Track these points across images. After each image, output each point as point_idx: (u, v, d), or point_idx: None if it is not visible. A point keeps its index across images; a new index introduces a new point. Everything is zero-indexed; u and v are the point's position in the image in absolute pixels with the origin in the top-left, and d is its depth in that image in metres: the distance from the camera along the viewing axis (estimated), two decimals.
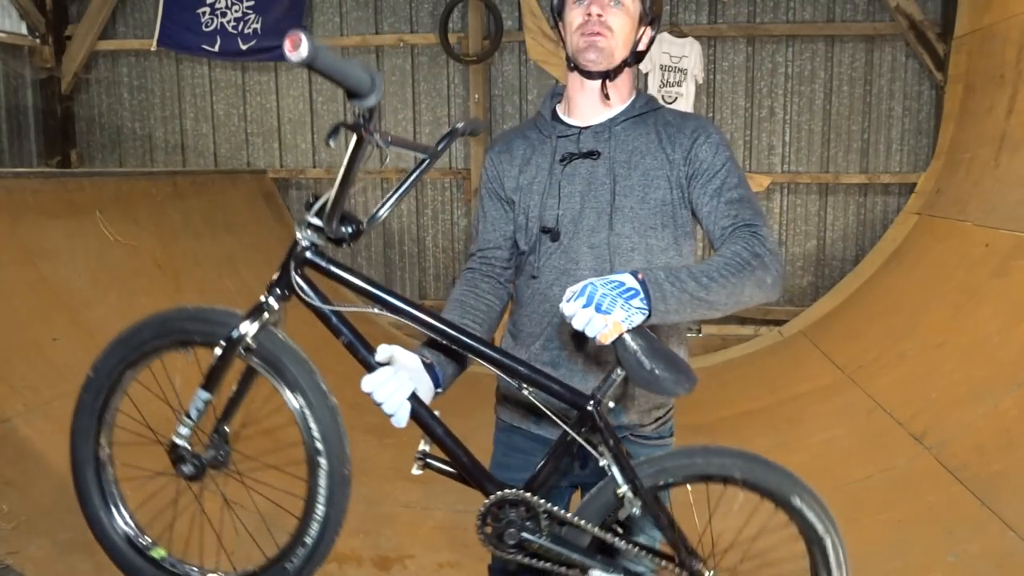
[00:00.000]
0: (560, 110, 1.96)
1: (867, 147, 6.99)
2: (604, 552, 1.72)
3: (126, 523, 1.86)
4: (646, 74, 7.05)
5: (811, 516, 1.71)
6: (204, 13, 7.50)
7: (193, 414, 1.76)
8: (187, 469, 1.76)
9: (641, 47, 1.88)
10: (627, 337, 1.55)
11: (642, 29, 1.87)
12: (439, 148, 1.74)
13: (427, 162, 1.78)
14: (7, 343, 3.97)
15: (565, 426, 1.66)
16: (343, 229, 1.66)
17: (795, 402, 5.30)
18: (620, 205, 1.81)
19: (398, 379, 1.64)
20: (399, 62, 7.58)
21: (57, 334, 4.28)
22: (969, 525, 3.26)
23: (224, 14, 7.49)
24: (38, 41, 7.61)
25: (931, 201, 6.37)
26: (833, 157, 7.05)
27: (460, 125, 1.81)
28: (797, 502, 1.71)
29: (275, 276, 1.66)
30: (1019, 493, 3.22)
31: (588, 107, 1.89)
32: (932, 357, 4.65)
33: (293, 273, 1.66)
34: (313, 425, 1.63)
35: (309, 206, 1.66)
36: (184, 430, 1.75)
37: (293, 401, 1.66)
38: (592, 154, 1.84)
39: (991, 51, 5.70)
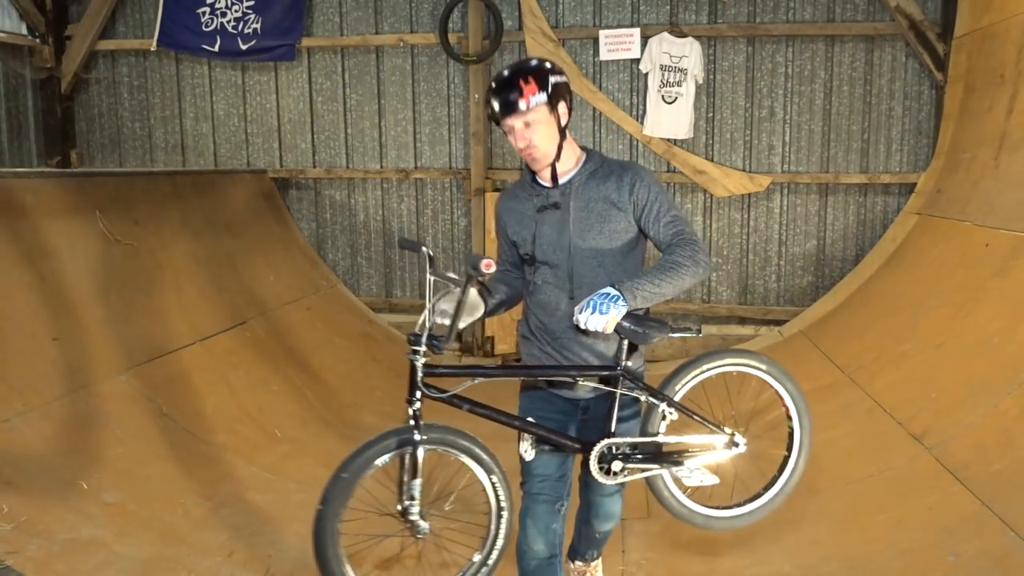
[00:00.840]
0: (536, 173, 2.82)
1: (867, 147, 6.99)
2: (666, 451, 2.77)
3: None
4: (646, 74, 7.05)
5: (775, 372, 2.83)
6: (204, 13, 7.51)
7: (416, 496, 2.54)
8: (422, 529, 2.57)
9: (564, 121, 2.68)
10: (622, 322, 2.53)
11: (556, 112, 2.65)
12: (466, 283, 2.51)
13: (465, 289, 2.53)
14: (7, 343, 3.97)
15: (612, 389, 2.68)
16: (442, 345, 2.52)
17: None
18: (582, 236, 2.71)
19: None
20: (399, 62, 7.58)
21: (57, 334, 4.28)
22: (969, 525, 3.26)
23: (224, 14, 7.49)
24: (38, 41, 7.61)
25: (931, 201, 6.37)
26: (833, 157, 7.05)
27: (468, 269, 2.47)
28: (763, 366, 2.82)
29: (408, 392, 2.52)
30: (1019, 493, 3.23)
31: (548, 177, 2.77)
32: (932, 357, 4.65)
33: (421, 386, 2.51)
34: (501, 493, 2.64)
35: (416, 340, 2.49)
36: (415, 509, 2.54)
37: (485, 476, 2.63)
38: (556, 205, 2.74)
39: (991, 51, 5.70)
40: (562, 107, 2.65)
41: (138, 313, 4.96)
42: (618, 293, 2.48)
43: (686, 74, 6.96)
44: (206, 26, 7.52)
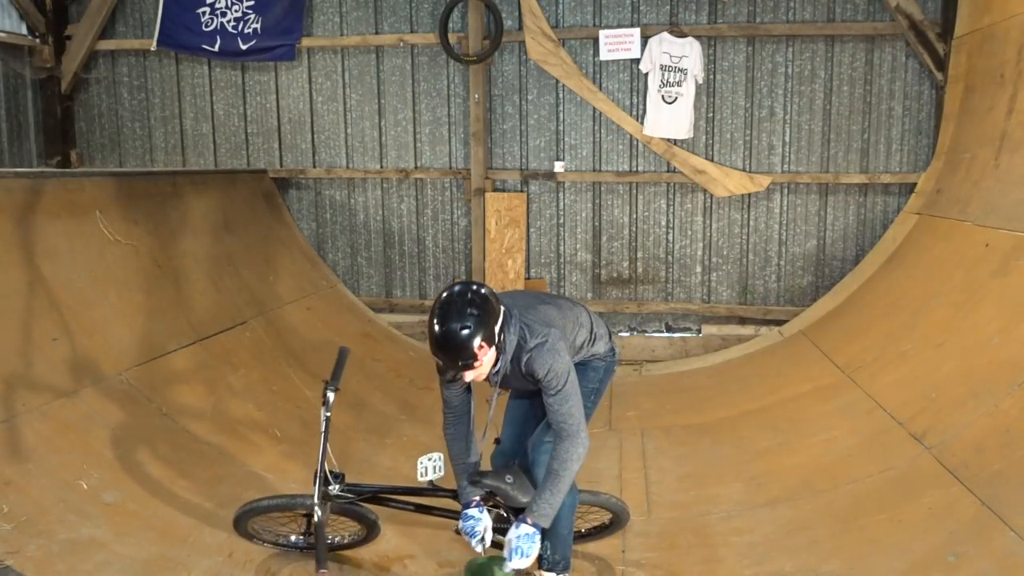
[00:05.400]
0: None
1: (867, 147, 6.99)
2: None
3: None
4: (646, 74, 7.05)
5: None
6: (204, 13, 7.51)
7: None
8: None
9: (500, 339, 2.78)
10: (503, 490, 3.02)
11: (495, 346, 2.76)
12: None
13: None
14: (7, 343, 3.97)
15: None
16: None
17: (795, 402, 5.30)
18: (511, 387, 3.13)
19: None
20: (399, 62, 7.57)
21: (57, 334, 4.28)
22: (969, 525, 3.26)
23: (224, 14, 7.49)
24: (38, 41, 7.61)
25: (931, 201, 6.37)
26: (833, 157, 7.05)
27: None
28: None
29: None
30: (1019, 493, 3.22)
31: None
32: (932, 357, 4.64)
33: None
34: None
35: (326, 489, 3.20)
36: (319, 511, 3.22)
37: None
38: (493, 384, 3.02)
39: (991, 51, 5.70)
40: (501, 338, 2.79)
41: (138, 313, 4.96)
42: (533, 528, 2.81)
43: (686, 74, 6.96)
44: (206, 26, 7.52)
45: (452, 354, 2.69)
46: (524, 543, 2.76)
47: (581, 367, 3.20)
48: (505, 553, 2.78)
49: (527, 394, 3.25)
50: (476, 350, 2.68)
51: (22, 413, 3.73)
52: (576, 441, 2.82)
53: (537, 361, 2.83)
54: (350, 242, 7.88)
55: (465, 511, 3.02)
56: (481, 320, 2.68)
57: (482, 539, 2.96)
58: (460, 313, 2.69)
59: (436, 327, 2.69)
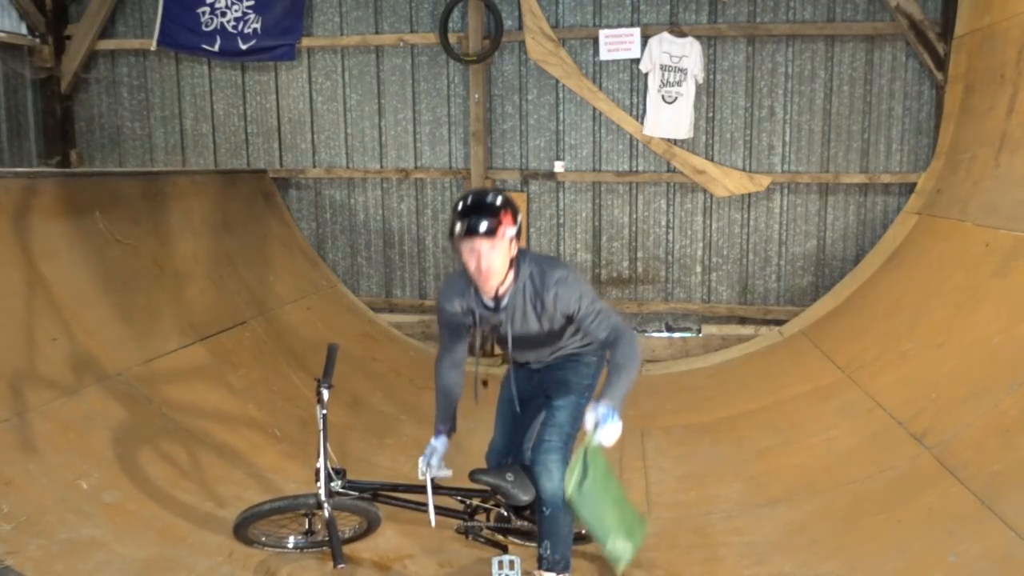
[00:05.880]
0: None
1: (867, 147, 6.99)
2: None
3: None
4: (646, 74, 7.05)
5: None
6: (204, 13, 7.51)
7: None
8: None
9: (514, 251, 2.96)
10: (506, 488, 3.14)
11: (515, 242, 2.93)
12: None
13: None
14: (7, 343, 3.97)
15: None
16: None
17: (795, 402, 5.30)
18: (515, 335, 3.12)
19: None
20: (399, 62, 7.57)
21: (57, 334, 4.28)
22: (969, 525, 3.26)
23: (224, 14, 7.49)
24: (38, 41, 7.61)
25: (931, 201, 6.37)
26: (833, 157, 7.05)
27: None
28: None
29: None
30: (1019, 493, 3.22)
31: (491, 297, 3.05)
32: (932, 357, 4.65)
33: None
34: None
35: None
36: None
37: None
38: (499, 321, 3.11)
39: (991, 51, 5.70)
40: (517, 241, 3.00)
41: (138, 313, 4.96)
42: (610, 403, 2.82)
43: (686, 74, 6.96)
44: (206, 26, 7.52)
45: (478, 212, 2.86)
46: (607, 418, 2.80)
47: (573, 362, 3.29)
48: (588, 427, 2.83)
49: (524, 374, 3.34)
50: (501, 214, 2.86)
51: (22, 413, 3.73)
52: (630, 338, 2.99)
53: (563, 296, 3.00)
54: (350, 242, 7.88)
55: (432, 440, 3.25)
56: (507, 199, 2.94)
57: (429, 464, 3.18)
58: (487, 191, 3.04)
59: (461, 202, 2.94)
